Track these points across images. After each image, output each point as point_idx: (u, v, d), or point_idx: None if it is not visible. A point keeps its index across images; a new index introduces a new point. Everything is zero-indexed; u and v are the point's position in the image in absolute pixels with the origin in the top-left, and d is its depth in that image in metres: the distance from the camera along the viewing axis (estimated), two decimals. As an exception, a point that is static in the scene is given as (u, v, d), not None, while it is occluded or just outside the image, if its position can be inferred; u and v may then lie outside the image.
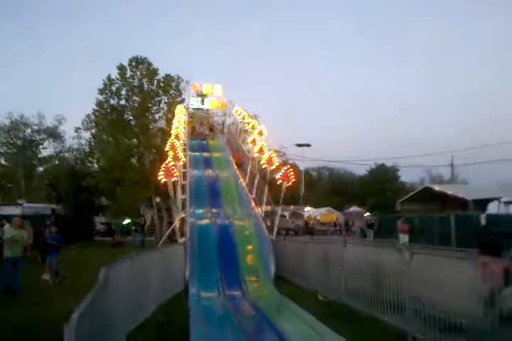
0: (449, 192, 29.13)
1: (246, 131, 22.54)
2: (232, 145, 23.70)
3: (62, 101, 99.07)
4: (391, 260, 7.55)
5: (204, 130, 26.10)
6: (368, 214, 45.88)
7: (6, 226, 16.76)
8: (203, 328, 6.84)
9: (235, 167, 19.60)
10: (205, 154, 22.18)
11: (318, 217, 43.21)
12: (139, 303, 7.30)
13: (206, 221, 14.35)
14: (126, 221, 39.47)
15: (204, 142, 25.00)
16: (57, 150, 43.53)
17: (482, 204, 23.24)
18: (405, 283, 6.72)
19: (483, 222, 17.74)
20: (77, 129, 34.55)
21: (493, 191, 24.99)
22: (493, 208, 21.13)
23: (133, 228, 32.61)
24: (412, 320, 6.40)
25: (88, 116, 33.03)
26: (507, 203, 20.36)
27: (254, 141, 17.93)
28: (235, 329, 6.94)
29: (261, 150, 16.64)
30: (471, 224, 16.30)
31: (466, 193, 27.60)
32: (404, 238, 19.18)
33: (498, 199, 21.79)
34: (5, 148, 42.28)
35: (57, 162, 44.09)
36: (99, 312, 4.41)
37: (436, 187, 32.17)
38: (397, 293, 6.96)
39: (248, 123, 20.98)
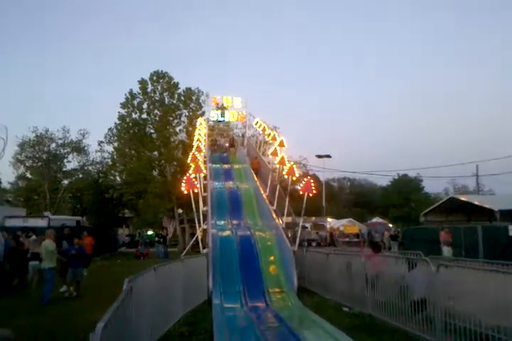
0: (476, 202, 28.47)
1: (266, 143, 22.61)
2: (252, 156, 23.79)
3: (86, 116, 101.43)
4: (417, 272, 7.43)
5: (225, 142, 25.74)
6: (390, 225, 45.20)
7: (33, 237, 17.15)
8: (227, 339, 6.78)
9: (254, 176, 19.65)
10: (226, 166, 22.29)
11: (341, 228, 42.72)
12: (162, 314, 7.29)
13: (227, 232, 14.34)
14: (149, 232, 39.76)
15: (225, 154, 25.13)
16: (81, 163, 44.30)
17: (509, 214, 22.68)
18: (433, 296, 6.57)
19: (511, 232, 17.30)
20: (100, 143, 35.22)
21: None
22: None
23: (156, 239, 32.79)
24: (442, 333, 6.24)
25: (111, 129, 33.66)
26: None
27: (275, 152, 17.94)
28: (259, 340, 6.86)
29: (282, 162, 16.62)
30: (499, 235, 15.88)
31: (492, 203, 26.93)
32: (448, 251, 16.86)
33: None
34: (30, 161, 43.22)
35: (81, 175, 44.82)
36: (123, 323, 4.43)
37: (462, 198, 31.48)
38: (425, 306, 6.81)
39: (268, 135, 21.04)
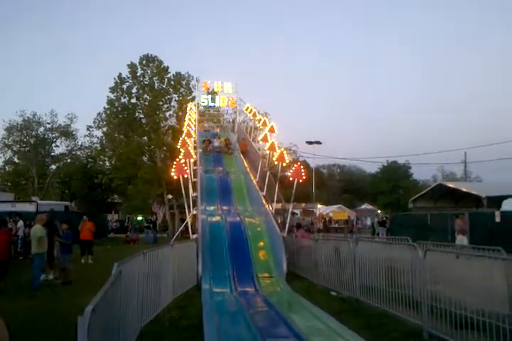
0: (463, 189, 28.85)
1: (256, 129, 22.59)
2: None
3: (74, 100, 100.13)
4: (404, 257, 7.52)
5: (220, 144, 22.26)
6: (379, 211, 45.65)
7: (20, 223, 17.01)
8: (216, 323, 6.85)
9: (244, 162, 19.71)
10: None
11: (331, 215, 43.09)
12: (152, 298, 7.33)
13: (217, 218, 14.37)
14: (139, 218, 39.77)
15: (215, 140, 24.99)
16: (70, 148, 43.92)
17: (496, 201, 23.01)
18: (420, 280, 6.66)
19: (497, 219, 17.56)
20: (88, 127, 34.84)
21: (507, 188, 24.71)
22: (507, 205, 20.90)
23: (145, 225, 32.84)
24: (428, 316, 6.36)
25: (99, 114, 33.27)
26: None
27: (265, 138, 17.88)
28: (248, 324, 6.94)
29: (272, 148, 16.58)
30: (486, 221, 16.12)
31: (480, 190, 27.33)
32: (462, 240, 15.79)
33: (512, 196, 21.56)
34: (18, 146, 42.74)
35: (69, 160, 44.46)
36: (112, 306, 4.43)
37: (450, 184, 31.90)
38: (412, 290, 6.92)
39: (258, 121, 20.99)
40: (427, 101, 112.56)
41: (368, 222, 39.67)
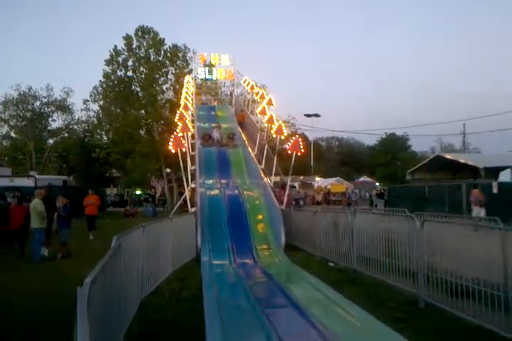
0: (461, 160, 28.86)
1: (254, 102, 22.37)
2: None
3: (70, 73, 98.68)
4: (402, 228, 7.58)
5: (220, 134, 18.94)
6: (377, 184, 45.81)
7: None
8: (216, 294, 6.95)
9: (243, 135, 19.59)
10: (214, 125, 22.08)
11: (329, 187, 43.27)
12: (152, 271, 7.41)
13: (216, 191, 14.40)
14: (138, 192, 39.91)
15: (212, 113, 24.79)
16: (66, 122, 43.61)
17: (494, 172, 23.06)
18: (417, 250, 6.73)
19: (495, 190, 17.62)
20: (85, 101, 34.51)
21: (505, 159, 24.74)
22: (504, 176, 20.96)
23: (143, 198, 32.99)
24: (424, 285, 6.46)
25: (95, 88, 32.91)
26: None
27: (263, 111, 17.71)
28: (247, 294, 7.04)
29: (270, 120, 16.45)
30: (483, 192, 16.15)
31: (477, 161, 27.36)
32: (478, 212, 14.84)
33: (510, 167, 21.59)
34: (14, 120, 42.44)
35: (66, 134, 44.23)
36: (112, 278, 4.47)
37: (448, 156, 31.90)
38: (409, 260, 7.00)
39: (256, 94, 20.75)
40: (425, 73, 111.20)
41: (365, 194, 39.92)
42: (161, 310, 6.31)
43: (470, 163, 27.75)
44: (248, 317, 5.95)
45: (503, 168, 22.06)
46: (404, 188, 28.68)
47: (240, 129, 20.46)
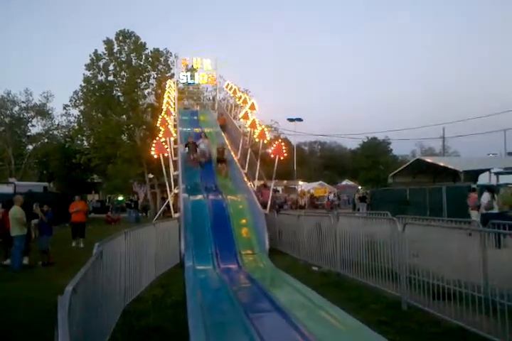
0: (441, 164, 29.28)
1: (237, 106, 22.42)
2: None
3: (49, 78, 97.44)
4: (384, 231, 7.66)
5: (207, 147, 16.78)
6: (360, 187, 46.19)
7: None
8: (200, 299, 6.91)
9: (226, 140, 19.57)
10: (197, 130, 22.03)
11: (312, 191, 43.47)
12: (135, 277, 7.34)
13: (199, 196, 14.33)
14: (120, 198, 39.48)
15: (195, 118, 24.74)
16: (46, 127, 42.97)
17: (473, 175, 23.46)
18: (399, 253, 6.80)
19: (474, 192, 17.86)
20: (65, 106, 34.03)
21: (484, 162, 25.20)
22: (483, 179, 21.34)
23: (125, 204, 32.66)
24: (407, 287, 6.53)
25: (76, 92, 32.49)
26: (497, 174, 20.56)
27: (246, 116, 17.74)
28: (231, 299, 7.02)
29: (253, 125, 16.47)
30: (462, 195, 16.41)
31: (457, 165, 27.80)
32: (477, 216, 13.74)
33: (488, 170, 22.00)
34: (-8, 126, 41.69)
35: (46, 140, 43.58)
36: (93, 286, 4.42)
37: (428, 159, 32.35)
38: (391, 263, 7.07)
39: (239, 98, 20.78)
40: (405, 77, 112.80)
41: (346, 198, 40.27)
42: (145, 317, 6.24)
43: (450, 166, 28.19)
44: (232, 322, 5.93)
45: (483, 171, 22.46)
46: (385, 192, 28.99)
47: (223, 134, 20.46)
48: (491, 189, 13.09)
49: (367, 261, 7.78)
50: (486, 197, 12.97)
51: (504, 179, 19.54)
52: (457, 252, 6.08)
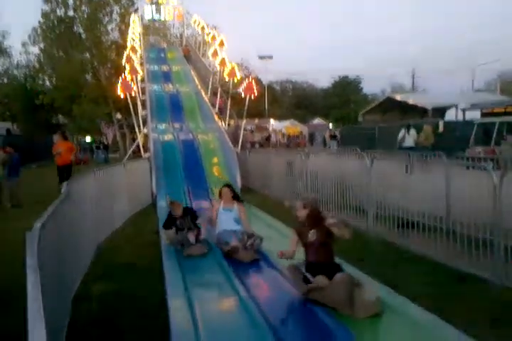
0: (410, 101, 29.49)
1: (206, 44, 21.62)
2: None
3: (5, 14, 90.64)
4: (353, 167, 7.81)
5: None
6: (331, 125, 46.42)
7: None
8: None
9: (195, 78, 19.13)
10: (164, 67, 21.33)
11: (283, 130, 43.48)
12: (106, 217, 7.37)
13: (169, 136, 14.17)
14: (88, 139, 38.67)
15: (162, 55, 23.86)
16: (5, 67, 40.66)
17: (441, 111, 23.84)
18: (367, 188, 6.98)
19: (441, 129, 18.28)
20: (23, 44, 32.15)
21: (452, 98, 25.47)
22: (450, 115, 21.73)
23: (95, 147, 32.11)
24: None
25: (35, 29, 30.55)
26: (464, 110, 20.91)
27: (215, 53, 17.16)
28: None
29: (223, 63, 16.02)
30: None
31: (426, 101, 28.03)
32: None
33: (455, 106, 22.35)
34: None
35: (5, 80, 41.42)
36: (63, 224, 4.38)
37: (398, 97, 32.49)
38: (360, 198, 7.28)
39: (207, 34, 20.01)
40: (378, 12, 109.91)
41: (318, 137, 40.55)
42: (118, 255, 6.34)
43: (419, 103, 28.43)
44: (206, 258, 6.07)
45: (450, 107, 22.80)
46: (355, 129, 29.31)
47: (193, 73, 19.93)
48: (408, 125, 14.24)
49: (337, 197, 7.99)
50: (401, 133, 14.20)
51: (470, 115, 19.91)
52: (423, 186, 6.29)
